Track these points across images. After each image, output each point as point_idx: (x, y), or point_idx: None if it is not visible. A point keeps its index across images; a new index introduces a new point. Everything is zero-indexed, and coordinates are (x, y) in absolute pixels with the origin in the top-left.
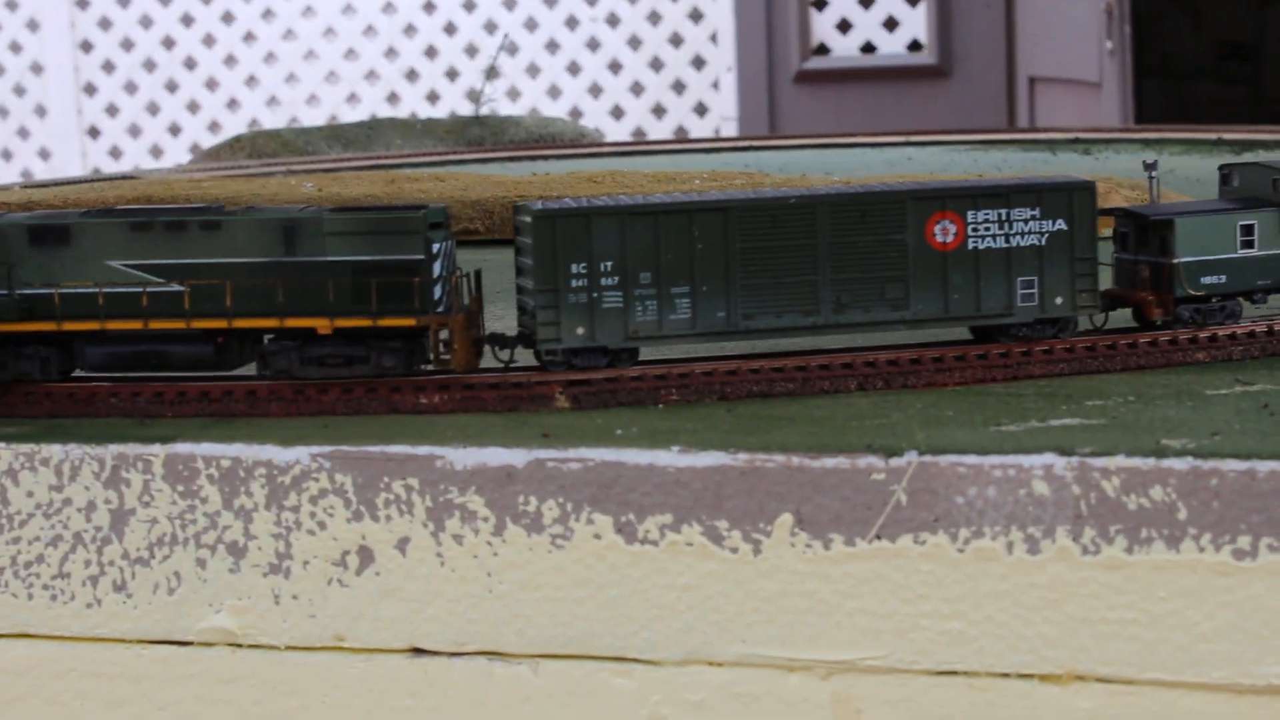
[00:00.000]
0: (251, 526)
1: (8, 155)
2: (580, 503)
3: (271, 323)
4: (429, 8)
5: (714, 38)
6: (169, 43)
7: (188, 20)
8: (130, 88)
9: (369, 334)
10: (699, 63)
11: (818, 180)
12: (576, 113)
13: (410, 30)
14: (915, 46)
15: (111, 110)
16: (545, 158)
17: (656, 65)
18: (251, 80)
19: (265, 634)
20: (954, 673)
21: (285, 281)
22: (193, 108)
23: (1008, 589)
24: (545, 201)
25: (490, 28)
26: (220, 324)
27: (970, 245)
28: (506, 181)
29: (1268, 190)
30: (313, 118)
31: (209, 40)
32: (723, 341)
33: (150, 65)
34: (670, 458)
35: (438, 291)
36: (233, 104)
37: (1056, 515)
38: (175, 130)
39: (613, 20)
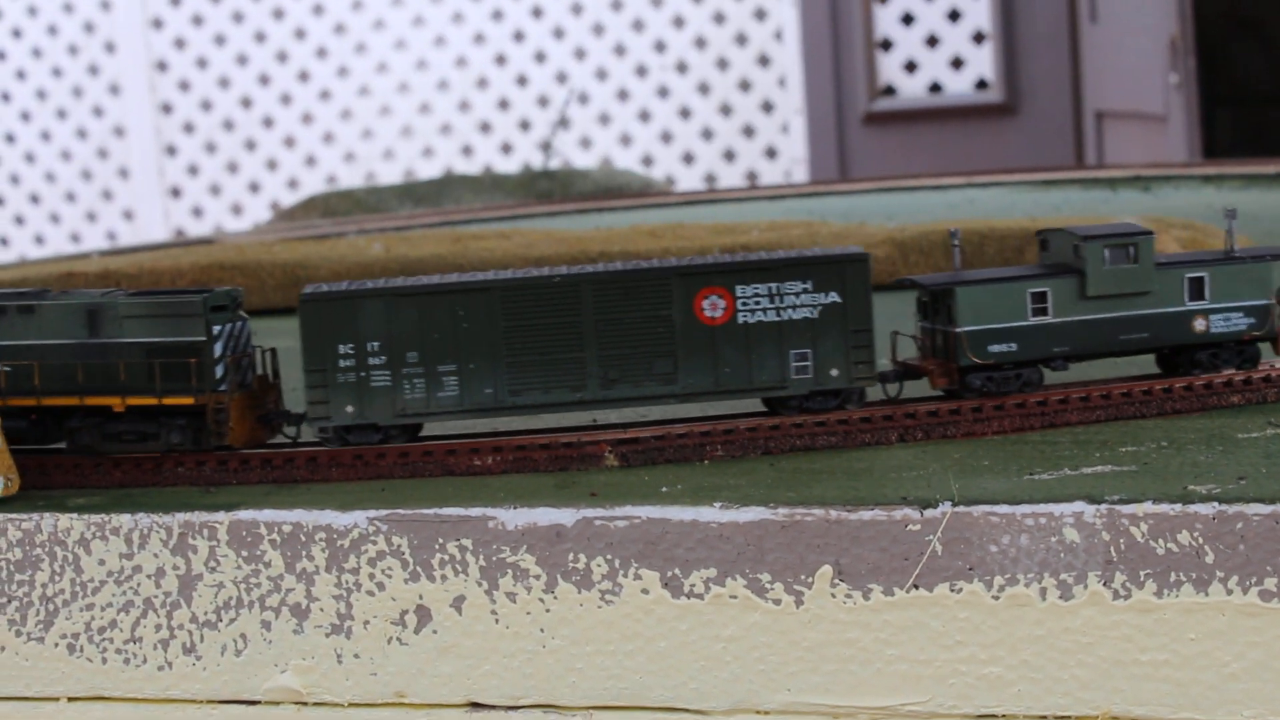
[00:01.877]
0: (313, 589)
1: (92, 217)
2: (628, 559)
3: (73, 401)
4: (500, 61)
5: (782, 82)
6: (247, 102)
7: (265, 80)
8: (210, 148)
9: (158, 411)
10: (768, 107)
11: (875, 229)
12: (648, 160)
13: (482, 84)
14: (982, 85)
15: (192, 170)
16: (612, 209)
17: (726, 111)
18: (328, 137)
19: (329, 692)
20: (993, 716)
21: (86, 362)
22: (271, 166)
23: (1042, 634)
24: (320, 286)
25: (561, 78)
26: (31, 402)
27: (740, 319)
28: (569, 237)
29: (1070, 256)
30: (389, 172)
31: (286, 99)
32: (491, 417)
33: (229, 125)
34: (713, 513)
35: (219, 371)
36: (311, 161)
37: (1088, 561)
38: (255, 188)
39: (681, 67)
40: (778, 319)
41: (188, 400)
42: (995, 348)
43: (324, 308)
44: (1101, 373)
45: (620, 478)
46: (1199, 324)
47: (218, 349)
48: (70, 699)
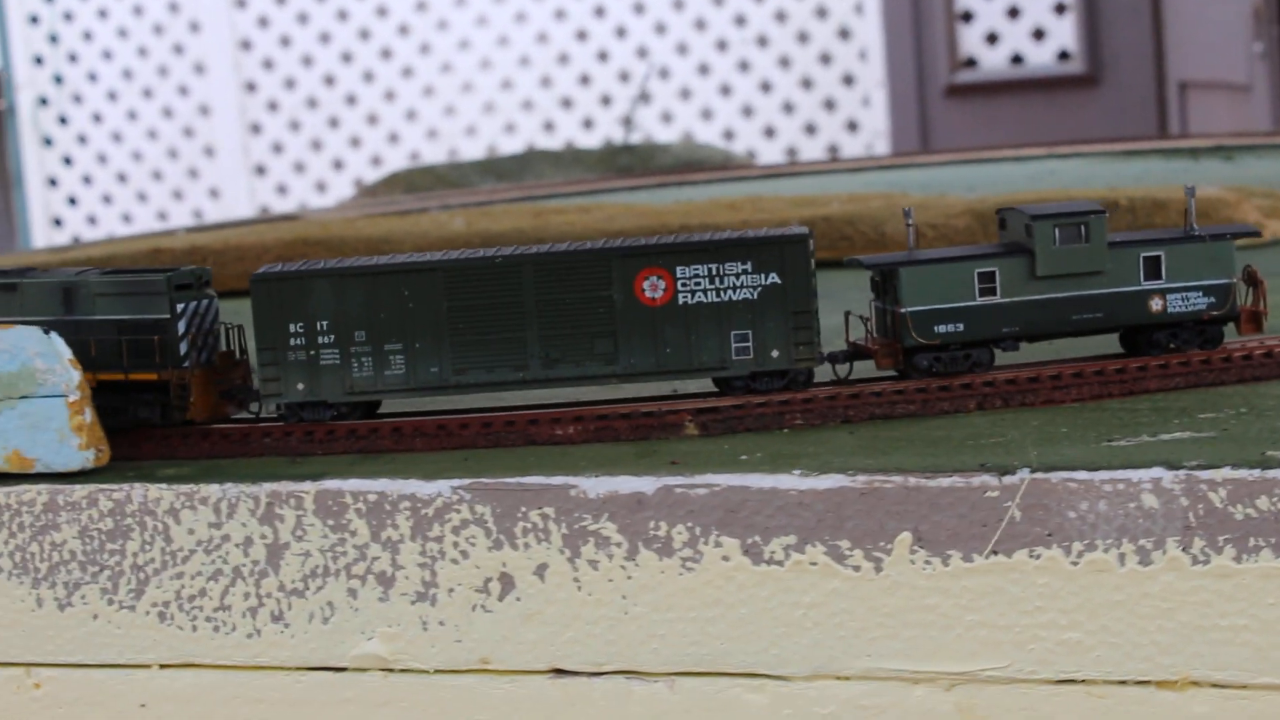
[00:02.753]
0: (398, 557)
1: (179, 196)
2: (708, 526)
3: None
4: (581, 36)
5: (863, 55)
6: (330, 80)
7: (347, 58)
8: (294, 126)
9: (126, 387)
10: (849, 80)
11: (954, 200)
12: (729, 135)
13: (564, 59)
14: (1064, 56)
15: (277, 148)
16: (692, 183)
17: (807, 84)
18: (411, 114)
19: (415, 659)
20: (1072, 681)
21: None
22: (355, 143)
23: (1122, 599)
24: (274, 266)
25: (641, 53)
26: None
27: (680, 300)
28: (649, 211)
29: (1024, 236)
30: (471, 149)
31: (369, 77)
32: (437, 396)
33: (312, 103)
34: (793, 481)
35: (183, 348)
36: (394, 138)
37: (1166, 527)
38: (338, 165)
39: (762, 41)
40: (718, 300)
41: (152, 376)
42: (941, 328)
43: (275, 287)
44: None
45: (700, 446)
46: (1155, 304)
47: (181, 326)
48: (162, 666)
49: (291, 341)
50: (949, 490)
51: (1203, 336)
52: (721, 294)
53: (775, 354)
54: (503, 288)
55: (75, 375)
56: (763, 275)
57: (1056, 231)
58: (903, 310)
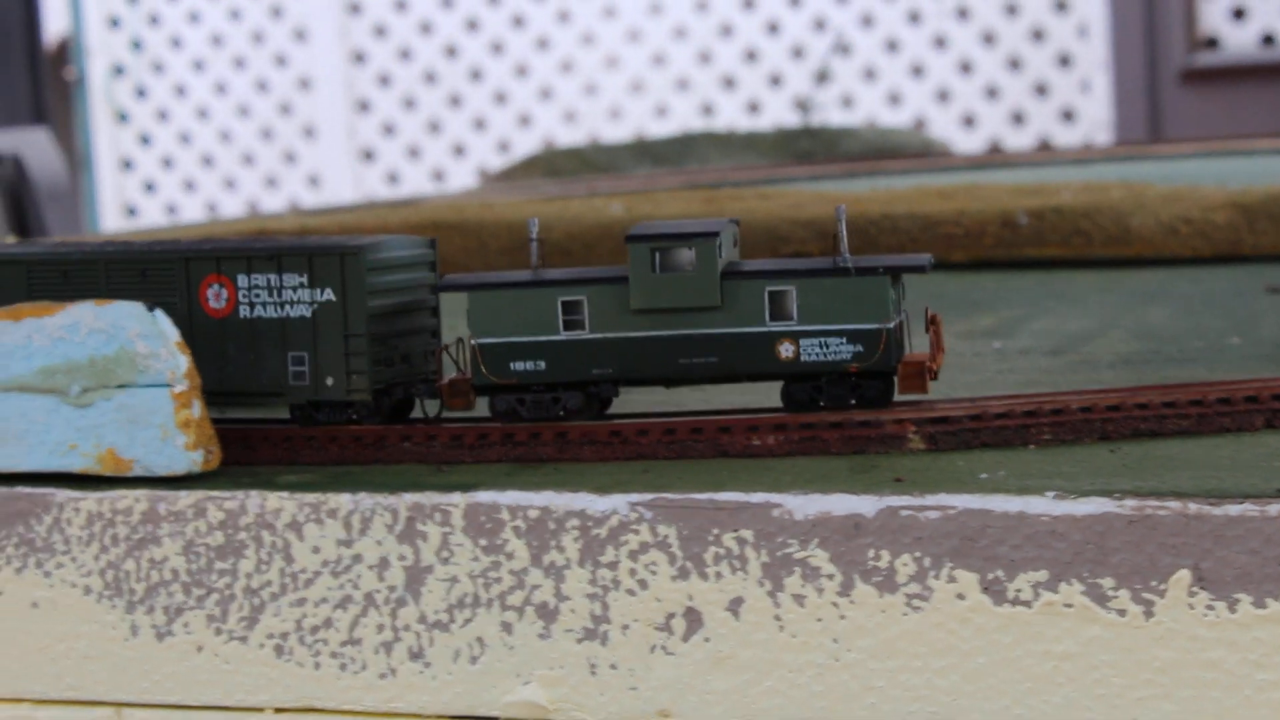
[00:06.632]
0: (563, 586)
1: (273, 183)
2: (940, 557)
3: None
4: (747, 5)
5: (1083, 32)
6: (451, 51)
7: (472, 26)
8: (408, 104)
9: None
10: (1065, 61)
11: (1212, 191)
12: (921, 122)
13: (726, 31)
14: None
15: (387, 130)
16: (887, 173)
17: (1015, 65)
18: (545, 93)
19: (580, 708)
20: None
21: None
22: (479, 125)
23: None
24: None
25: (819, 26)
26: None
27: (242, 313)
28: (845, 199)
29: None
30: (614, 133)
31: (496, 48)
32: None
33: (430, 78)
34: (1045, 505)
35: None
36: (524, 120)
37: None
38: (459, 151)
39: (962, 14)
40: (279, 315)
41: None
42: (519, 365)
43: None
44: None
45: (928, 462)
46: (785, 349)
47: None
48: (277, 710)
49: None
50: (1238, 520)
51: (855, 390)
52: (281, 309)
53: (330, 382)
54: (81, 286)
55: (183, 361)
56: (319, 290)
57: (656, 256)
58: (472, 342)
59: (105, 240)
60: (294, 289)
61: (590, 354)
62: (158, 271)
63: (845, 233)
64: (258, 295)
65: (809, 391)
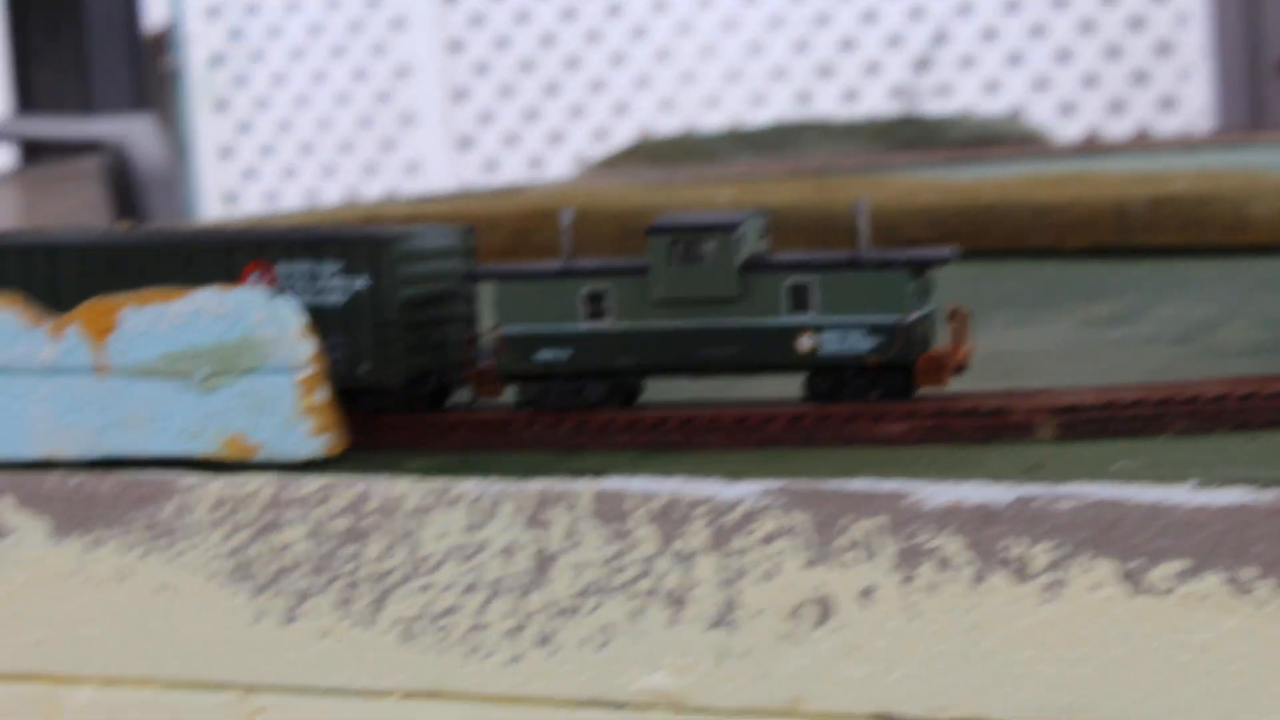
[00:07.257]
0: (693, 573)
1: (371, 171)
2: (1076, 547)
3: None
4: None
5: (1183, 19)
6: (548, 40)
7: (569, 14)
8: (505, 92)
9: None
10: (1165, 49)
11: None
12: (1017, 110)
13: (823, 20)
14: None
15: (484, 118)
16: (989, 161)
17: (1114, 53)
18: (642, 81)
19: (710, 695)
20: None
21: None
22: (576, 114)
23: None
24: None
25: (916, 14)
26: None
27: None
28: (958, 187)
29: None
30: (711, 121)
31: (593, 37)
32: None
33: (527, 66)
34: (1183, 495)
35: None
36: (621, 109)
37: None
38: (556, 139)
39: (1061, 3)
40: (316, 302)
41: None
42: (544, 355)
43: None
44: None
45: (1060, 451)
46: (805, 342)
47: None
48: (404, 695)
49: None
50: None
51: (877, 382)
52: (318, 296)
53: (363, 369)
54: (126, 275)
55: (307, 348)
56: (354, 279)
57: (675, 248)
58: (499, 331)
59: (152, 229)
60: (330, 277)
61: (613, 344)
62: (202, 259)
63: (865, 227)
64: (297, 283)
65: (831, 384)
